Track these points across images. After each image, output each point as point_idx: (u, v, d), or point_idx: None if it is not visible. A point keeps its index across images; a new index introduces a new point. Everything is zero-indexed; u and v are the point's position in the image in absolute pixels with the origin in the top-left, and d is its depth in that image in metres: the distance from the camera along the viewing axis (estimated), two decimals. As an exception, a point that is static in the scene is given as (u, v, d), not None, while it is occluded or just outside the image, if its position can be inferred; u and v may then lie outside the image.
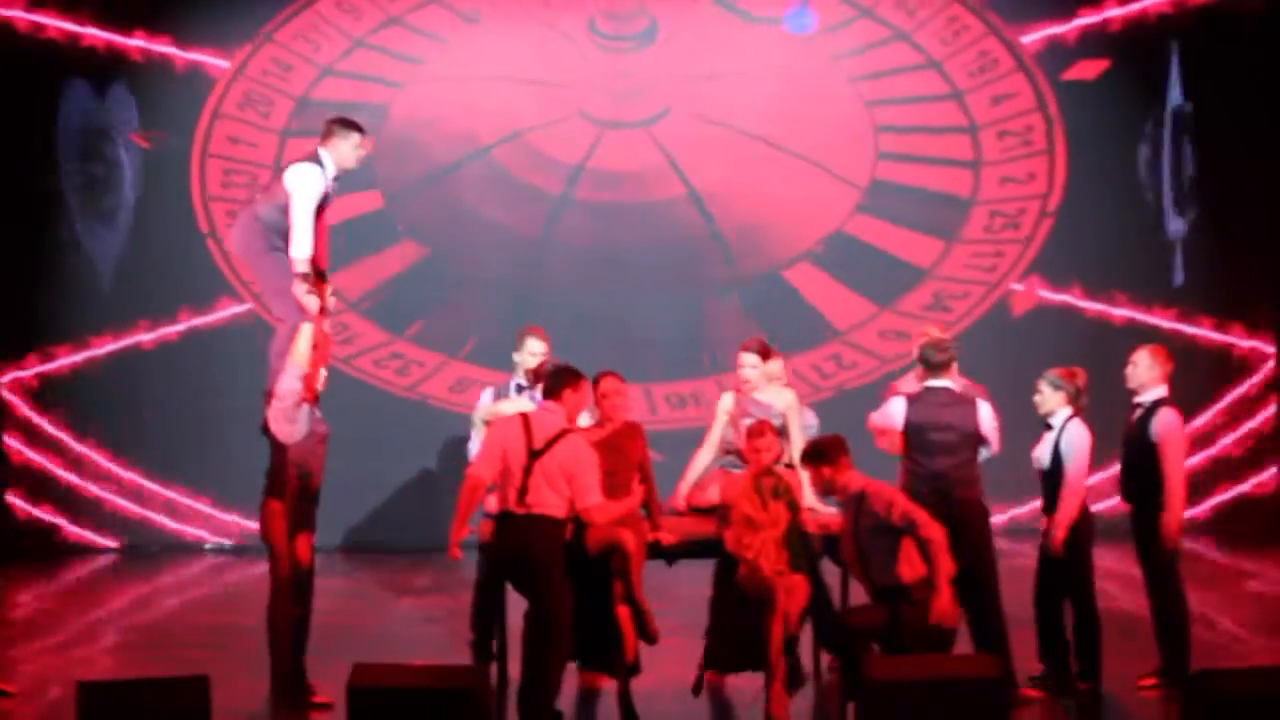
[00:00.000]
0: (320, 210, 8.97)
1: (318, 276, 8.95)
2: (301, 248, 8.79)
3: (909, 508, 8.51)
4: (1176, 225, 15.48)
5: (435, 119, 15.41)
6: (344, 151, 9.03)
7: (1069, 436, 9.20)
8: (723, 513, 9.08)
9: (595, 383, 9.06)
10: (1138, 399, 9.38)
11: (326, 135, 9.06)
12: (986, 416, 9.13)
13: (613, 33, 15.61)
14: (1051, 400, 9.32)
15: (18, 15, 14.98)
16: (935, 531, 8.45)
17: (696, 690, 9.10)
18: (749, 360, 9.74)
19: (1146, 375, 9.36)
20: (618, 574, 8.67)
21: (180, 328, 15.11)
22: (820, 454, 8.71)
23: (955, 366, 9.24)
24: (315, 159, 8.99)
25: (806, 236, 15.51)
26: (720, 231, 15.42)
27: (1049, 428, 9.30)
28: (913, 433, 9.02)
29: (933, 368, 9.12)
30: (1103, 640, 9.21)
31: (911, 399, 9.11)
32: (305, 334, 8.87)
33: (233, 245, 9.64)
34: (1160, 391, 9.32)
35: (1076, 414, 9.27)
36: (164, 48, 15.18)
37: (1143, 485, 9.23)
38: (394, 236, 15.43)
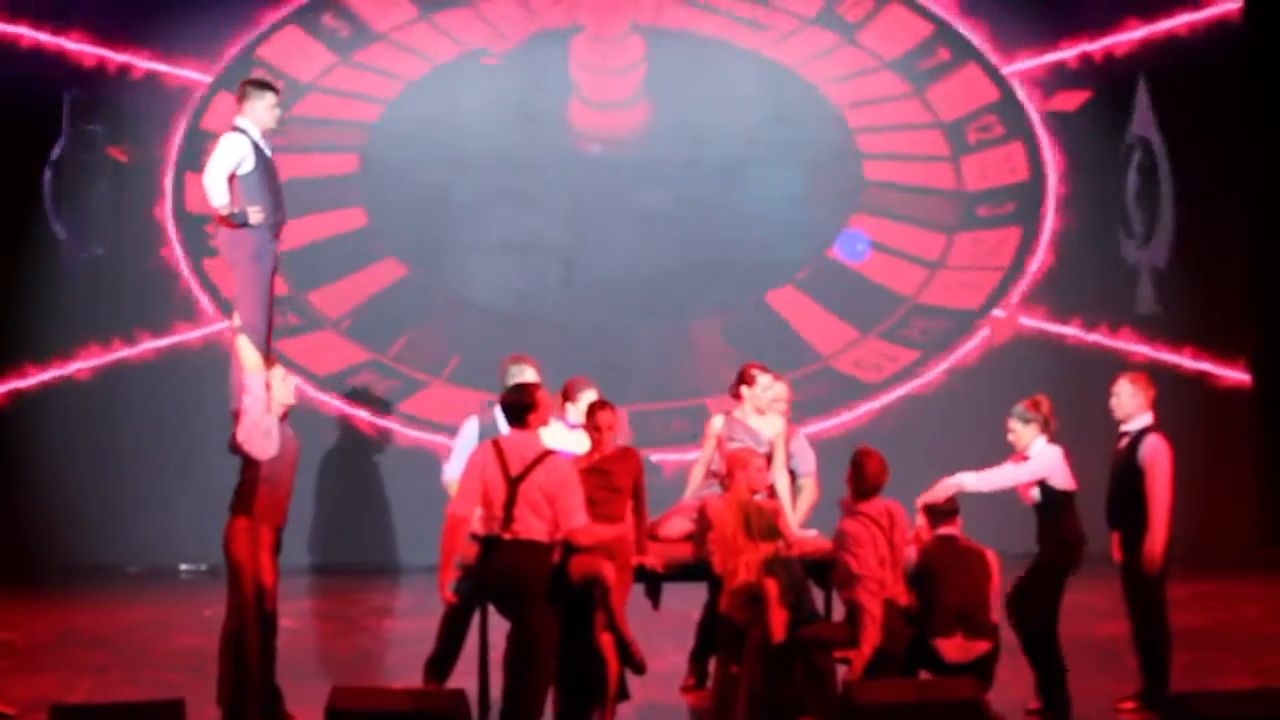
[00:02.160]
0: (271, 172, 9.11)
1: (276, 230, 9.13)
2: (214, 198, 8.96)
3: (863, 571, 8.49)
4: (1153, 254, 15.52)
5: (420, 141, 15.39)
6: (260, 112, 9.19)
7: (1042, 461, 9.20)
8: (699, 536, 9.09)
9: (590, 413, 9.06)
10: (1124, 428, 9.37)
11: (242, 99, 9.22)
12: (995, 570, 9.03)
13: (599, 55, 15.61)
14: (1026, 434, 9.31)
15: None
16: (869, 602, 8.48)
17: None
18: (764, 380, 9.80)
19: (1131, 404, 9.37)
20: (599, 604, 8.64)
21: (163, 343, 15.10)
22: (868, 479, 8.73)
23: (959, 519, 9.14)
24: (233, 128, 9.14)
25: (792, 260, 15.53)
26: (705, 255, 15.40)
27: (1025, 458, 9.30)
28: (923, 579, 8.85)
29: (938, 519, 9.06)
30: (1069, 668, 9.20)
31: (922, 547, 8.97)
32: (244, 343, 8.92)
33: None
34: (1146, 419, 9.34)
35: (1050, 442, 9.29)
36: (143, 62, 15.16)
37: (1129, 511, 9.23)
38: (376, 255, 15.41)
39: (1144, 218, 15.52)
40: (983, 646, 8.71)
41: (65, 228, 15.13)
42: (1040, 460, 9.23)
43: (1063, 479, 9.26)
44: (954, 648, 8.66)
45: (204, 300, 15.02)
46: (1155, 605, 9.24)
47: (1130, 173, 15.52)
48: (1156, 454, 9.22)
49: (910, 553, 8.85)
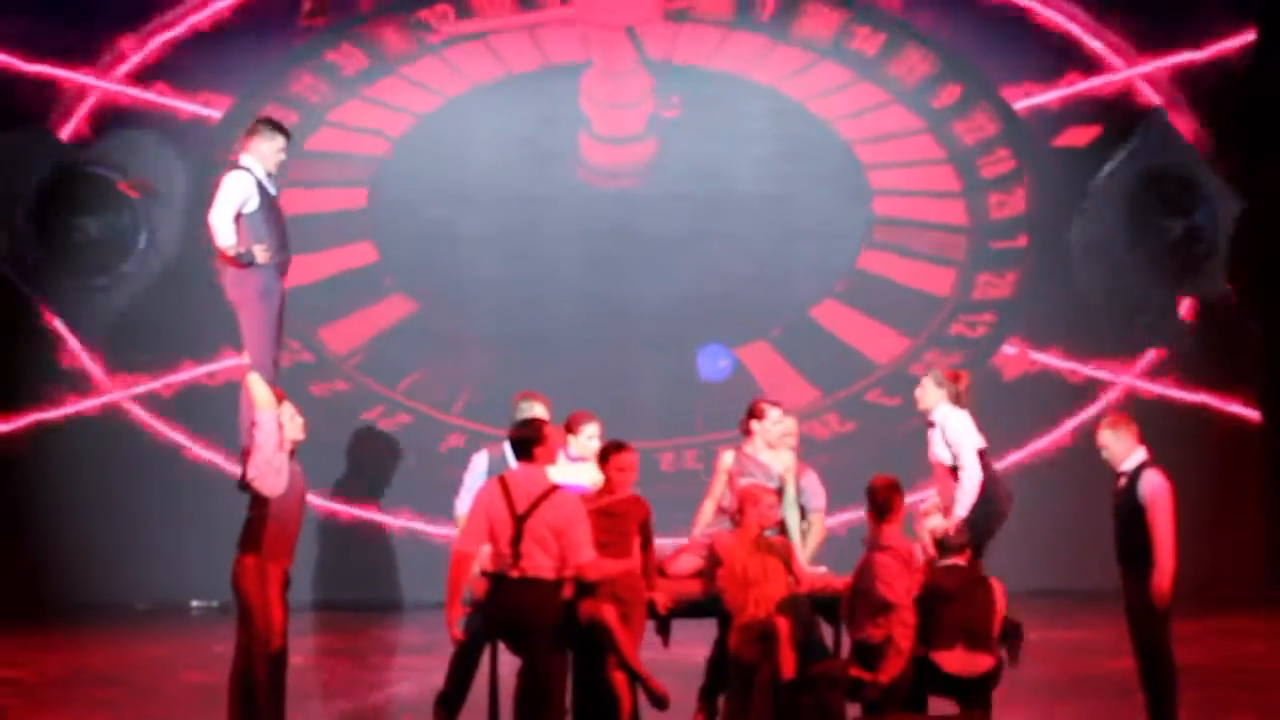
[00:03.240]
0: (275, 210, 9.05)
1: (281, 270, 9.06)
2: (220, 238, 8.86)
3: (897, 599, 8.50)
4: (1165, 290, 15.53)
5: (429, 175, 15.43)
6: (265, 152, 9.10)
7: (951, 425, 9.55)
8: (709, 572, 9.09)
9: (606, 453, 9.03)
10: (1121, 468, 9.35)
11: (250, 134, 9.15)
12: (1000, 598, 9.07)
13: (609, 90, 15.66)
14: (932, 396, 9.71)
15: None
16: (901, 635, 8.47)
17: None
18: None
19: (1119, 446, 9.30)
20: (607, 646, 8.64)
21: (175, 379, 15.14)
22: (879, 500, 8.77)
23: (969, 552, 9.20)
24: (237, 165, 9.07)
25: (805, 290, 15.57)
26: (714, 289, 15.43)
27: (931, 425, 9.65)
28: (928, 600, 8.82)
29: (947, 551, 9.09)
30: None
31: (927, 576, 8.97)
32: (255, 380, 8.90)
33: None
34: (1140, 456, 9.29)
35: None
36: (157, 97, 15.22)
37: (1135, 549, 9.19)
38: (385, 290, 15.45)
39: (1157, 254, 15.53)
40: (986, 662, 8.70)
41: (72, 263, 15.16)
42: (959, 425, 9.50)
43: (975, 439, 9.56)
44: (955, 660, 8.64)
45: (213, 337, 14.99)
46: (1160, 642, 9.21)
47: (1139, 209, 15.53)
48: (1156, 489, 9.16)
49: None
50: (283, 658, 9.00)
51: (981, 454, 9.66)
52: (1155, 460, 9.28)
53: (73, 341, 15.11)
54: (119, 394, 15.12)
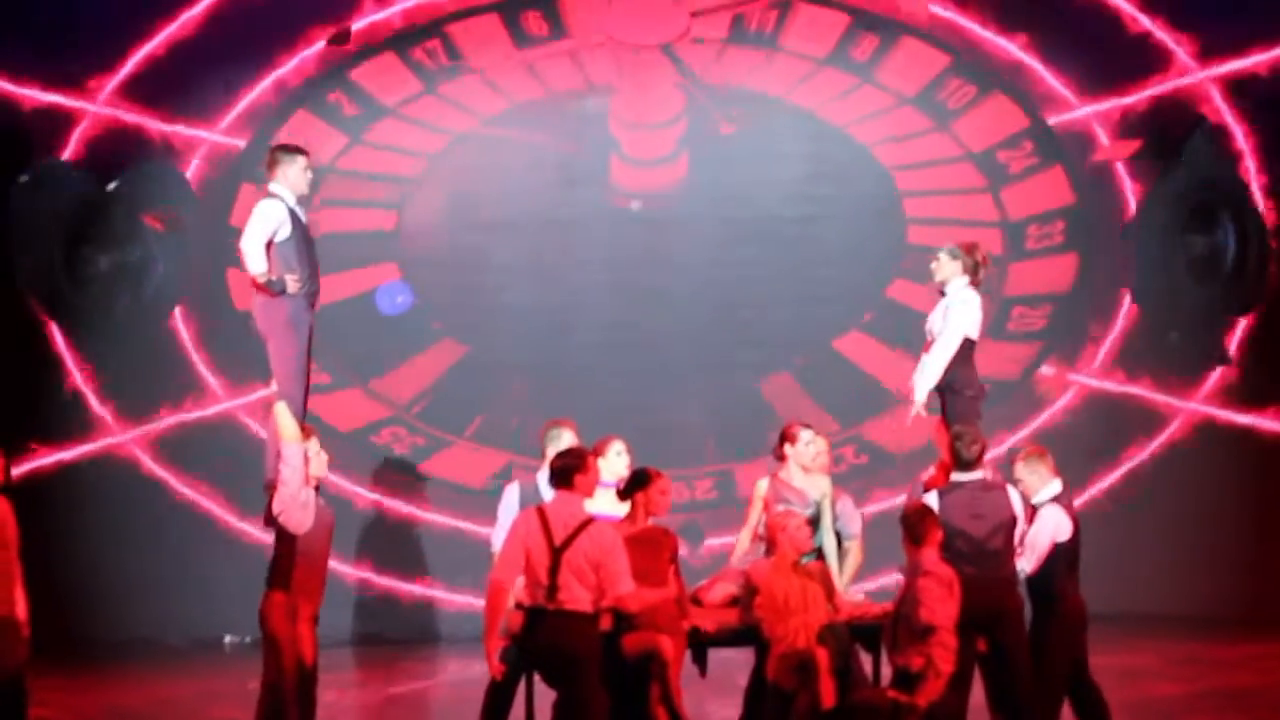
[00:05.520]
0: (306, 239, 9.03)
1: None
2: (251, 265, 8.86)
3: (939, 622, 8.35)
4: (1209, 308, 15.34)
5: (459, 204, 15.35)
6: (293, 177, 9.11)
7: (960, 303, 9.22)
8: (746, 601, 8.97)
9: (643, 480, 8.90)
10: (1034, 501, 9.12)
11: (272, 165, 9.13)
12: (1018, 503, 8.94)
13: (639, 111, 15.55)
14: (948, 268, 9.37)
15: (19, 92, 14.98)
16: (941, 658, 8.33)
17: None
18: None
19: (1033, 480, 9.12)
20: (655, 678, 8.49)
21: (208, 412, 15.07)
22: (911, 523, 8.60)
23: (984, 459, 9.04)
24: (268, 194, 9.05)
25: (837, 317, 15.42)
26: (746, 314, 15.29)
27: (942, 294, 9.35)
28: (946, 526, 8.74)
29: (963, 464, 8.93)
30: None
31: (944, 492, 8.91)
32: (282, 411, 8.82)
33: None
34: (1055, 488, 9.09)
35: (973, 285, 9.34)
36: (176, 128, 15.17)
37: (1040, 583, 9.03)
38: (422, 326, 15.35)
39: (1200, 268, 15.34)
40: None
41: (97, 295, 15.08)
42: (968, 306, 9.21)
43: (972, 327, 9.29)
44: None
45: (240, 371, 14.88)
46: (1053, 676, 8.97)
47: (1185, 224, 15.36)
48: (1042, 520, 8.96)
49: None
50: (312, 694, 8.90)
51: (969, 343, 9.28)
52: (1066, 493, 9.07)
53: (101, 375, 15.01)
54: (150, 428, 15.03)
